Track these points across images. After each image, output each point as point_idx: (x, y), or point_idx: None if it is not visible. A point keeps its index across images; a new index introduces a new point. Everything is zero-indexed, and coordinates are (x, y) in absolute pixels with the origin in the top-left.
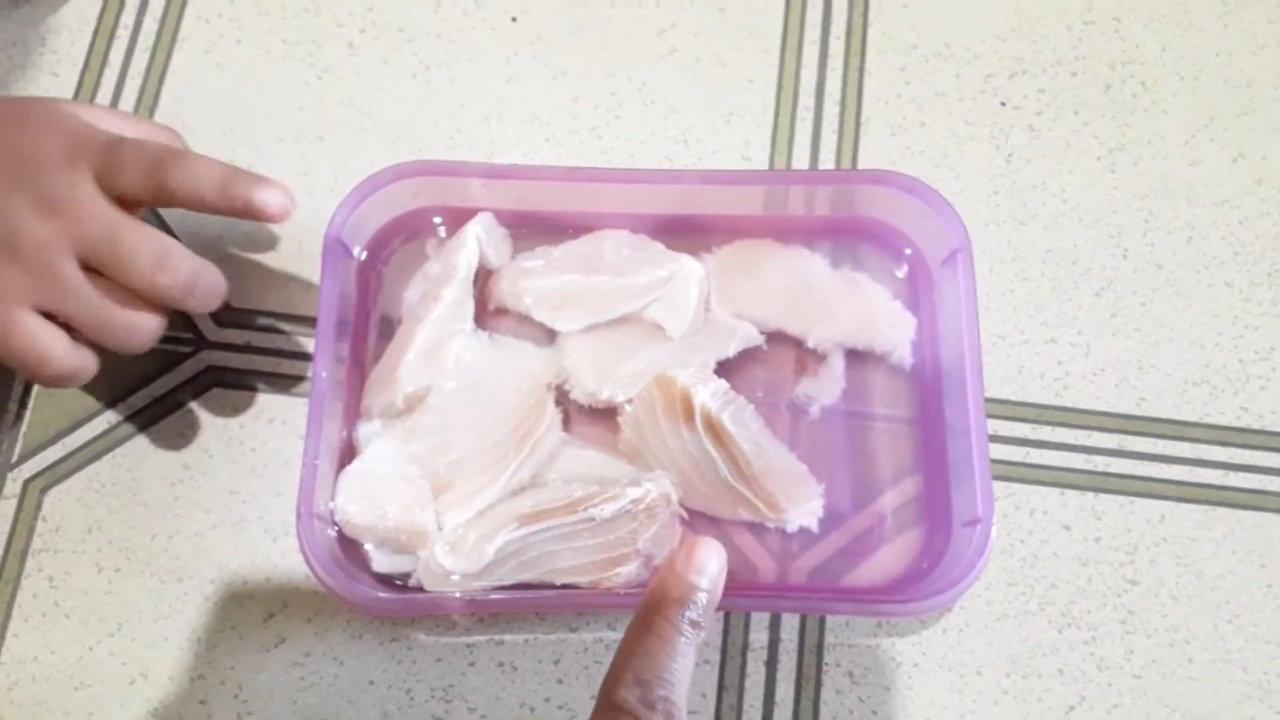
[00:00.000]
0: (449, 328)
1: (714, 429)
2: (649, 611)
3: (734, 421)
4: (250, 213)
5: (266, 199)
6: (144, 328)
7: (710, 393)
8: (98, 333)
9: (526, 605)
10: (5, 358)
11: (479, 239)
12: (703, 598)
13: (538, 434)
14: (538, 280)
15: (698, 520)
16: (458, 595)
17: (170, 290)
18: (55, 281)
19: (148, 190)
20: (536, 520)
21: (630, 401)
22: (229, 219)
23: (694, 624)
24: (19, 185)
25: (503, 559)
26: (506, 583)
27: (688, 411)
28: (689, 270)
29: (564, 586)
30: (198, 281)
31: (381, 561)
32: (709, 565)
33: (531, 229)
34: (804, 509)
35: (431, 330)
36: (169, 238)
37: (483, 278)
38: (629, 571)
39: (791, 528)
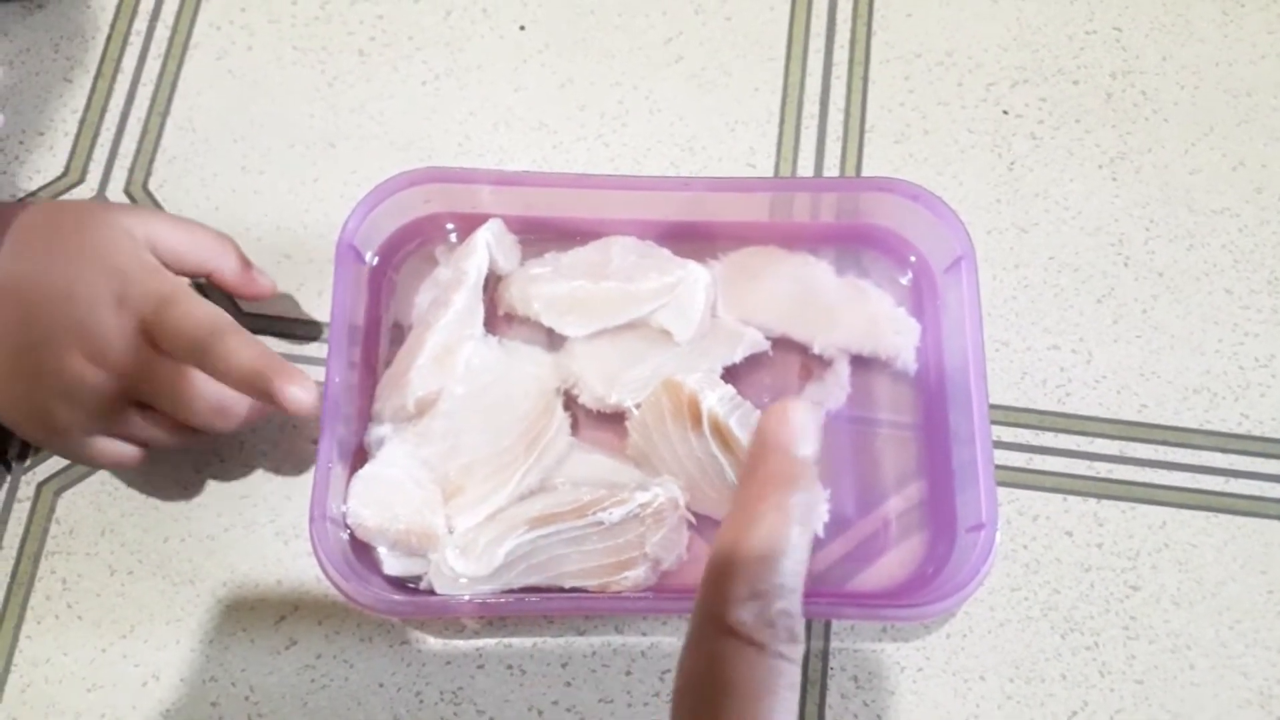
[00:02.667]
0: (459, 333)
1: (721, 433)
2: (753, 500)
3: (741, 426)
4: (274, 404)
5: (288, 394)
6: (191, 440)
7: (718, 397)
8: (150, 444)
9: (536, 609)
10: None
11: (489, 245)
12: (810, 471)
13: (546, 438)
14: (546, 286)
15: (705, 524)
16: (468, 598)
17: (225, 431)
18: (112, 418)
19: (186, 360)
20: (546, 524)
21: (638, 406)
22: (241, 224)
23: (808, 508)
24: (69, 330)
25: (512, 562)
26: (516, 586)
27: (695, 416)
28: (696, 276)
29: (572, 590)
30: (246, 417)
31: (392, 564)
32: (809, 429)
33: (540, 235)
34: None
35: (442, 335)
36: (219, 385)
37: (492, 283)
38: (637, 575)
39: None
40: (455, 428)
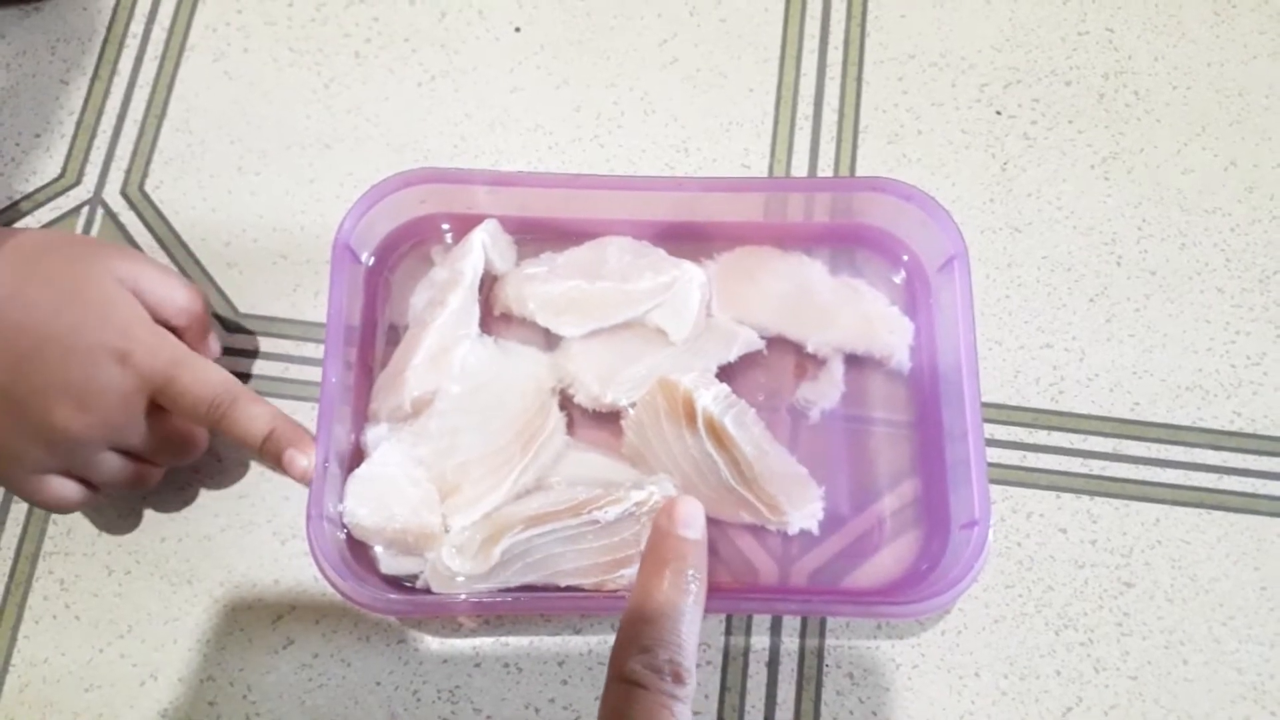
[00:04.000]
0: (455, 333)
1: (716, 432)
2: (646, 577)
3: (736, 425)
4: (280, 469)
5: (298, 468)
6: (157, 479)
7: (712, 396)
8: (115, 489)
9: (532, 607)
10: (28, 502)
11: (484, 245)
12: (696, 550)
13: (542, 438)
14: (542, 286)
15: None
16: (464, 597)
17: (190, 462)
18: (84, 463)
19: (197, 422)
20: (542, 523)
21: (633, 405)
22: (237, 226)
23: (692, 579)
24: (63, 384)
25: (509, 561)
26: (513, 584)
27: (690, 415)
28: (690, 276)
29: (569, 588)
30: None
31: (389, 563)
32: (695, 518)
33: (535, 235)
34: (805, 512)
35: (438, 335)
36: (190, 428)
37: (488, 283)
38: (633, 574)
39: (792, 530)
40: (451, 427)
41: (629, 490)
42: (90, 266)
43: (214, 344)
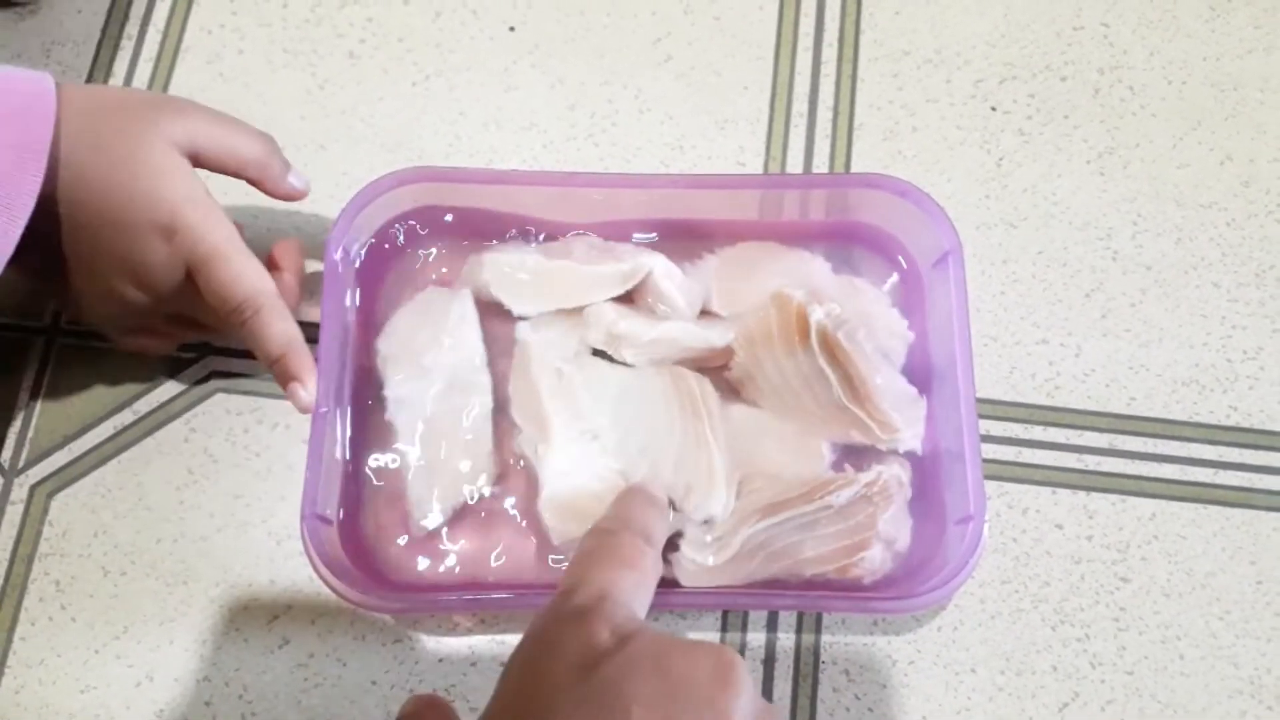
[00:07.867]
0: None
1: (830, 346)
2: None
3: (849, 340)
4: (286, 392)
5: (295, 394)
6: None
7: (825, 312)
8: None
9: (526, 605)
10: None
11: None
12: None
13: (698, 396)
14: (506, 269)
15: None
16: (464, 596)
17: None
18: (150, 327)
19: (222, 320)
20: (776, 512)
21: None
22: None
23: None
24: (114, 253)
25: (751, 551)
26: (758, 576)
27: (803, 330)
28: (654, 263)
29: (812, 579)
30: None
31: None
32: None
33: (529, 234)
34: (913, 431)
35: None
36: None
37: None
38: (873, 556)
39: (902, 449)
40: (634, 445)
41: (857, 473)
42: (143, 133)
43: (296, 182)
